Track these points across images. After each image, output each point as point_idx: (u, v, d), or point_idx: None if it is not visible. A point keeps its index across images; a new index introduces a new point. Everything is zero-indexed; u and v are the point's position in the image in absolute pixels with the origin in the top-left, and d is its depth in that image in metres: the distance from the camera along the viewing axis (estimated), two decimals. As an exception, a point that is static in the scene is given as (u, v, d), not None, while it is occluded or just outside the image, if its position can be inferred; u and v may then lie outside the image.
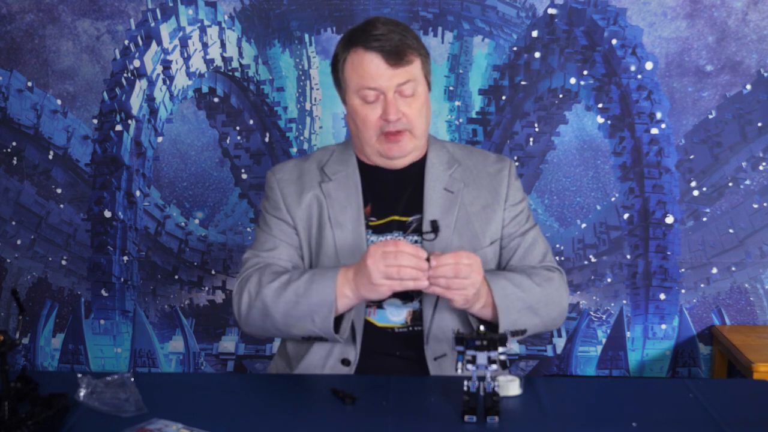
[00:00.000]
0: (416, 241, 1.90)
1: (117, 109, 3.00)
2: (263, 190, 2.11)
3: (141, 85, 2.98)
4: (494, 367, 1.53)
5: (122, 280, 3.10)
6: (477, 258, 1.75)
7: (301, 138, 3.03)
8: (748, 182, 2.98)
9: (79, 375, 1.63)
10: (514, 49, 2.94)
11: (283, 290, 1.82)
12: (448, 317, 1.89)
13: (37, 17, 2.97)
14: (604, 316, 3.07)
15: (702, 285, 3.04)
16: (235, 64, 2.99)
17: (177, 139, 3.04)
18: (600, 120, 2.96)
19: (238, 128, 3.03)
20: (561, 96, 2.95)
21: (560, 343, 3.08)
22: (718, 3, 2.88)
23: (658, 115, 2.94)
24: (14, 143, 3.04)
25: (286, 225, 1.96)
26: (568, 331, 3.08)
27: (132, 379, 1.63)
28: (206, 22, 2.96)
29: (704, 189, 2.99)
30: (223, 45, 2.98)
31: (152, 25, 2.95)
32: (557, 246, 3.03)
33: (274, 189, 1.98)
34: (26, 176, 3.07)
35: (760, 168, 2.97)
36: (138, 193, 3.05)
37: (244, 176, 3.05)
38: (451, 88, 3.00)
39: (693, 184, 2.98)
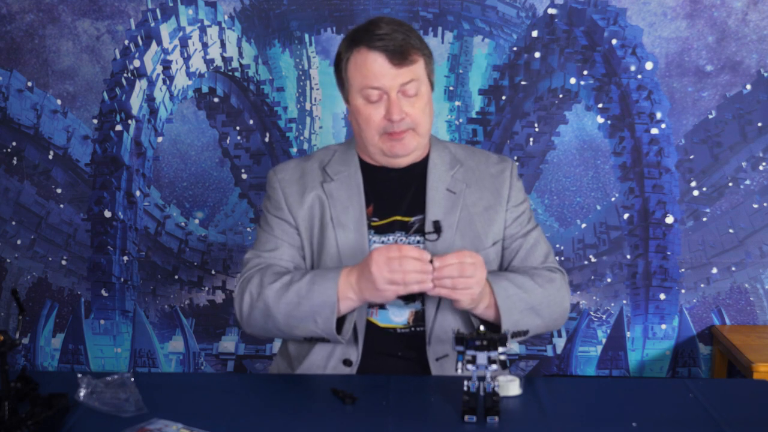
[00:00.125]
0: (418, 242, 1.90)
1: (117, 109, 3.00)
2: (263, 190, 2.11)
3: (141, 85, 2.98)
4: (494, 367, 1.53)
5: (122, 280, 3.10)
6: (479, 256, 1.75)
7: (301, 138, 3.03)
8: (748, 182, 2.98)
9: (79, 375, 1.62)
10: (514, 49, 2.94)
11: (284, 291, 1.82)
12: (450, 318, 1.89)
13: (37, 17, 2.96)
14: (604, 316, 3.07)
15: (702, 285, 3.04)
16: (235, 64, 2.99)
17: (177, 139, 3.04)
18: (600, 120, 2.96)
19: (238, 128, 3.03)
20: (561, 96, 2.95)
21: (560, 343, 3.08)
22: (718, 3, 2.88)
23: (658, 115, 2.93)
24: (14, 143, 3.04)
25: (287, 225, 1.95)
26: (568, 331, 3.08)
27: (132, 379, 1.63)
28: (206, 22, 2.96)
29: (704, 189, 2.99)
30: (223, 45, 2.98)
31: (152, 25, 2.95)
32: (557, 246, 3.03)
33: (275, 189, 1.97)
34: (26, 176, 3.07)
35: (760, 168, 2.97)
36: (138, 193, 3.05)
37: (244, 176, 3.05)
38: (451, 88, 3.00)
39: (693, 184, 2.98)
